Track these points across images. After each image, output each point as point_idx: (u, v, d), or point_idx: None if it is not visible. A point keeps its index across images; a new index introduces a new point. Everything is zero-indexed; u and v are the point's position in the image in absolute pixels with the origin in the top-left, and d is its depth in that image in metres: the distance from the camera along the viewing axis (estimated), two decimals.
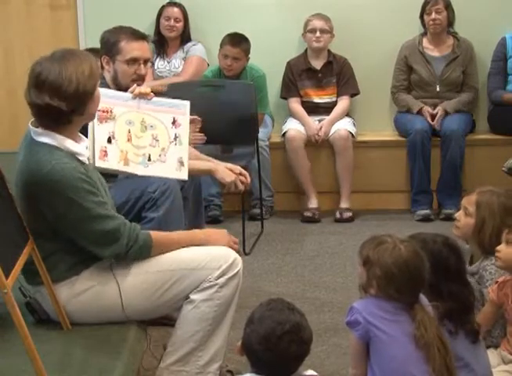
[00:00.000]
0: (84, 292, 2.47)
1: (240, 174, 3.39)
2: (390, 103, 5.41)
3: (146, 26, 5.19)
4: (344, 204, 5.04)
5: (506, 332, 2.63)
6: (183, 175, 3.01)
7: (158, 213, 3.14)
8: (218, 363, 2.59)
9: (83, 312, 2.48)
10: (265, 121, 5.11)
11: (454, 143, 4.92)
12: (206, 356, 2.56)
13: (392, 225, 4.79)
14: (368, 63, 5.36)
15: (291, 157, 5.04)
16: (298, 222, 4.97)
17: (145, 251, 2.48)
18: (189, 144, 3.11)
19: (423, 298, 2.19)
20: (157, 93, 3.11)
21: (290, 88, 5.20)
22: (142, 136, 2.90)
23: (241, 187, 3.38)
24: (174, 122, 2.99)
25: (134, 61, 3.26)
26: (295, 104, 5.18)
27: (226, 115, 4.53)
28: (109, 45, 3.29)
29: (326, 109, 5.15)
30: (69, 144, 2.42)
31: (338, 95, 5.18)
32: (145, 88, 3.00)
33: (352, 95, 5.22)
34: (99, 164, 2.76)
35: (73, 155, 2.43)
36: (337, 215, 4.98)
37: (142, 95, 2.96)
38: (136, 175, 2.92)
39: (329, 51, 5.19)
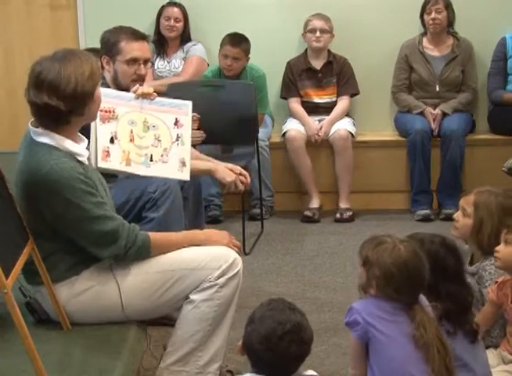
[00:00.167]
0: (84, 292, 2.47)
1: (240, 174, 3.40)
2: (390, 103, 5.41)
3: (146, 26, 5.19)
4: (343, 204, 5.04)
5: (505, 332, 2.63)
6: (185, 176, 3.01)
7: (158, 213, 3.14)
8: (217, 363, 2.59)
9: (83, 312, 2.48)
10: (265, 121, 5.11)
11: (454, 143, 4.93)
12: (206, 356, 2.56)
13: (392, 225, 4.79)
14: (368, 63, 5.36)
15: (292, 157, 5.04)
16: (298, 222, 4.98)
17: (144, 252, 2.48)
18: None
19: (422, 299, 2.19)
20: (158, 93, 3.11)
21: (290, 88, 5.20)
22: (144, 136, 2.90)
23: (241, 187, 3.38)
24: (176, 122, 2.99)
25: (134, 61, 3.26)
26: (295, 104, 5.18)
27: (226, 115, 4.53)
28: (109, 45, 3.29)
29: (326, 109, 5.15)
30: (68, 144, 2.42)
31: (338, 95, 5.18)
32: (147, 88, 3.00)
33: (352, 95, 5.23)
34: (102, 164, 2.76)
35: (72, 155, 2.43)
36: (338, 215, 4.98)
37: (144, 96, 2.96)
38: (138, 176, 2.92)
39: (329, 51, 5.19)
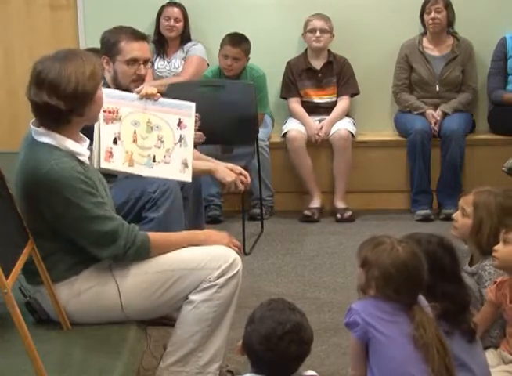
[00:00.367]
0: (83, 292, 2.47)
1: (241, 174, 3.40)
2: (390, 103, 5.41)
3: (146, 26, 5.19)
4: (340, 204, 5.04)
5: (505, 332, 2.63)
6: (187, 177, 3.01)
7: (158, 213, 3.14)
8: (217, 363, 2.59)
9: (83, 312, 2.48)
10: (265, 121, 5.11)
11: (454, 143, 4.93)
12: (206, 357, 2.56)
13: (392, 225, 4.79)
14: (368, 63, 5.36)
15: (293, 157, 5.04)
16: (298, 222, 4.98)
17: (143, 252, 2.48)
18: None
19: (421, 299, 2.19)
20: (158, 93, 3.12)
21: (290, 88, 5.20)
22: (147, 137, 2.91)
23: (241, 187, 3.38)
24: (179, 123, 2.99)
25: (134, 61, 3.26)
26: (295, 104, 5.18)
27: (226, 115, 4.53)
28: (109, 45, 3.29)
29: (326, 109, 5.15)
30: (69, 144, 2.43)
31: (338, 95, 5.18)
32: (151, 88, 3.00)
33: (352, 95, 5.23)
34: (105, 165, 2.76)
35: (73, 155, 2.43)
36: (338, 215, 4.97)
37: (148, 96, 2.96)
38: (141, 176, 2.92)
39: (329, 51, 5.19)
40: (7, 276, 2.01)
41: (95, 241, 2.42)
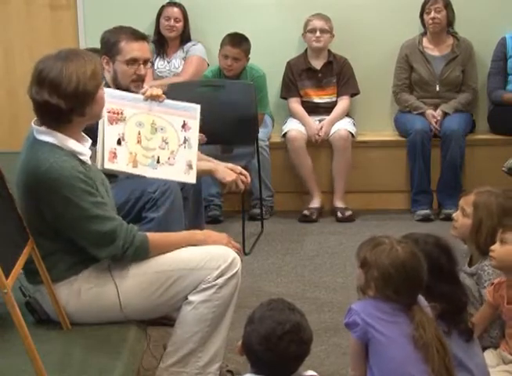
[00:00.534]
0: (83, 292, 2.47)
1: (241, 173, 3.40)
2: (390, 103, 5.41)
3: (146, 26, 5.19)
4: (340, 204, 5.04)
5: (504, 333, 2.63)
6: (191, 179, 3.01)
7: (158, 213, 3.14)
8: (217, 364, 2.59)
9: (82, 313, 2.48)
10: (265, 121, 5.11)
11: (454, 143, 4.93)
12: (206, 357, 2.56)
13: (392, 225, 4.79)
14: (368, 63, 5.36)
15: (293, 157, 5.04)
16: (298, 222, 4.97)
17: (142, 253, 2.48)
18: None
19: (421, 299, 2.19)
20: None
21: (290, 88, 5.20)
22: (151, 138, 2.90)
23: (242, 186, 3.38)
24: (184, 125, 2.99)
25: (134, 61, 3.26)
26: (295, 104, 5.18)
27: (226, 115, 4.53)
28: (109, 45, 3.29)
29: (326, 109, 5.15)
30: (71, 143, 2.43)
31: (338, 95, 5.18)
32: (156, 90, 2.99)
33: (352, 95, 5.23)
34: (108, 165, 2.76)
35: (74, 155, 2.43)
36: (339, 214, 4.97)
37: (153, 98, 2.95)
38: (144, 177, 2.92)
39: (329, 51, 5.19)
40: (7, 276, 2.01)
41: (94, 241, 2.42)
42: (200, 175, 3.48)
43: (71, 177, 2.36)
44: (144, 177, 2.91)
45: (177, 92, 4.16)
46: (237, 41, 4.92)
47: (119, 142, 2.81)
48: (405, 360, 2.10)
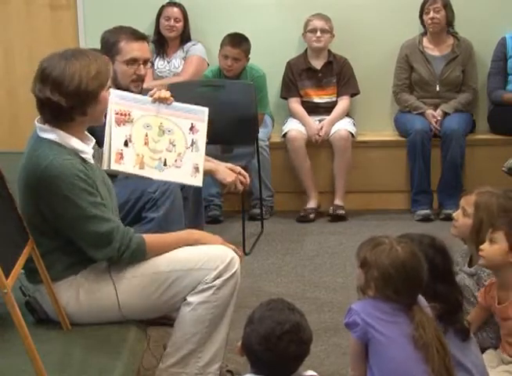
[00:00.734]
0: (82, 292, 2.47)
1: (240, 173, 3.39)
2: (390, 103, 5.41)
3: (146, 26, 5.19)
4: (338, 202, 5.04)
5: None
6: (198, 182, 3.00)
7: (158, 213, 3.14)
8: (217, 364, 2.59)
9: (82, 313, 2.47)
10: (265, 121, 5.12)
11: (454, 143, 4.93)
12: (205, 357, 2.55)
13: (392, 225, 4.79)
14: (368, 63, 5.36)
15: (292, 157, 5.04)
16: (296, 222, 4.97)
17: (139, 255, 2.47)
18: None
19: (421, 299, 2.19)
20: None
21: (290, 88, 5.20)
22: (159, 140, 2.90)
23: (240, 187, 3.37)
24: (191, 128, 2.98)
25: (133, 61, 3.26)
26: (295, 104, 5.18)
27: (226, 115, 4.52)
28: (108, 45, 3.29)
29: (326, 109, 5.15)
30: (73, 142, 2.44)
31: (338, 95, 5.18)
32: (165, 92, 2.99)
33: (352, 95, 5.23)
34: (115, 166, 2.76)
35: (76, 153, 2.43)
36: (331, 210, 4.96)
37: (161, 100, 2.95)
38: (151, 179, 2.92)
39: (329, 51, 5.19)
40: (7, 276, 2.01)
41: (91, 242, 2.41)
42: None
43: (71, 175, 2.36)
44: (150, 179, 2.90)
45: (177, 92, 4.13)
46: (237, 42, 4.92)
47: (126, 144, 2.81)
48: (405, 360, 2.10)
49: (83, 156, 2.45)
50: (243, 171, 3.41)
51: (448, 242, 2.45)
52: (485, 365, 2.40)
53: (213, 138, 4.26)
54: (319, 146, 5.08)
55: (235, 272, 2.53)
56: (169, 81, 5.02)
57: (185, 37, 5.31)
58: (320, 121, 5.10)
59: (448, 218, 4.47)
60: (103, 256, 2.44)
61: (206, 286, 2.49)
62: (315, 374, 2.12)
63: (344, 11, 5.34)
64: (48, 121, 2.43)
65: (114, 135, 2.77)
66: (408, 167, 5.09)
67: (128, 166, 2.80)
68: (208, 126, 3.05)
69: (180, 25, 5.27)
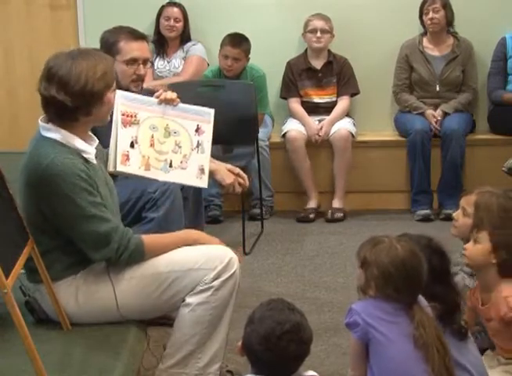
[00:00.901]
0: (81, 293, 2.47)
1: (238, 175, 3.37)
2: (390, 103, 5.41)
3: (146, 26, 5.19)
4: (336, 204, 5.04)
5: None
6: (203, 183, 2.99)
7: (158, 213, 3.14)
8: (217, 364, 2.59)
9: (81, 313, 2.47)
10: (265, 121, 5.11)
11: (455, 143, 4.93)
12: (205, 358, 2.55)
13: (392, 225, 4.79)
14: (368, 63, 5.36)
15: (292, 157, 5.04)
16: (296, 222, 4.97)
17: (137, 256, 2.47)
18: None
19: (421, 299, 2.19)
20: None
21: (290, 88, 5.20)
22: (165, 142, 2.89)
23: (238, 190, 3.34)
24: (197, 129, 2.97)
25: (133, 61, 3.26)
26: (295, 104, 5.19)
27: (226, 115, 4.49)
28: (108, 45, 3.29)
29: (326, 109, 5.15)
30: (76, 141, 2.44)
31: (338, 95, 5.18)
32: (171, 94, 2.99)
33: (352, 95, 5.23)
34: (121, 168, 2.76)
35: (79, 153, 2.43)
36: (329, 215, 4.97)
37: (167, 101, 2.95)
38: (156, 181, 2.92)
39: (329, 51, 5.19)
40: (7, 276, 2.01)
41: (90, 242, 2.41)
42: None
43: (72, 174, 2.36)
44: (156, 180, 2.90)
45: (177, 92, 4.12)
46: (237, 42, 4.92)
47: (132, 145, 2.80)
48: (406, 360, 2.10)
49: (85, 156, 2.46)
50: (242, 173, 3.39)
51: (448, 242, 2.45)
52: (485, 365, 2.40)
53: (213, 138, 4.29)
54: (318, 146, 5.08)
55: (234, 272, 2.52)
56: (169, 81, 5.02)
57: (185, 37, 5.31)
58: (320, 121, 5.10)
59: (449, 218, 4.47)
60: (102, 256, 2.44)
61: (205, 286, 2.49)
62: (315, 374, 2.12)
63: (344, 11, 5.34)
64: (52, 120, 2.43)
65: (120, 136, 2.77)
66: (408, 167, 5.09)
67: (133, 167, 2.80)
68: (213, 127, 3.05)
69: (180, 25, 5.27)
